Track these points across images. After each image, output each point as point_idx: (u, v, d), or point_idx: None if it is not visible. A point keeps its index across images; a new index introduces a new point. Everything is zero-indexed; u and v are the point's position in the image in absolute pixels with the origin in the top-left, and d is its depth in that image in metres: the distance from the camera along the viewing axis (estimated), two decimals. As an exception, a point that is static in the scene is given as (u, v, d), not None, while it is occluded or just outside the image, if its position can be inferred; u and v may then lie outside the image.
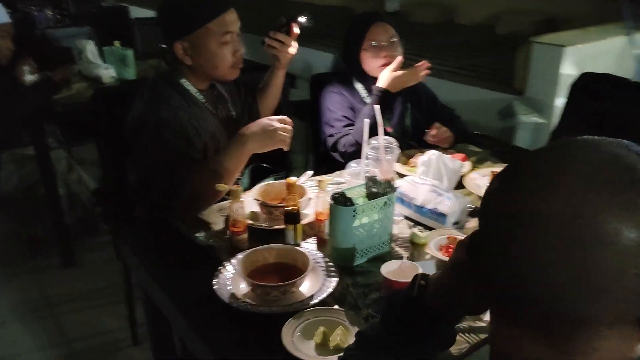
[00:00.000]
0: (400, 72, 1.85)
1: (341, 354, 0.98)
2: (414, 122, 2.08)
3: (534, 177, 0.51)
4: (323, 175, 1.37)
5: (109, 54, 3.20)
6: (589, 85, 2.19)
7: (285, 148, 1.49)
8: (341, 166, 1.89)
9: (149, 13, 7.91)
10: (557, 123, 2.33)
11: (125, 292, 2.21)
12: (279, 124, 1.48)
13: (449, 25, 6.78)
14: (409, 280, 1.07)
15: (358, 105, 1.99)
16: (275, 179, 1.67)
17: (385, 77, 1.86)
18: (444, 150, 1.98)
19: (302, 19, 1.71)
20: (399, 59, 1.88)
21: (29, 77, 2.80)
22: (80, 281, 2.70)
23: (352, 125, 1.93)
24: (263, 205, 1.47)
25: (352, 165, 1.56)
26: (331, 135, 1.92)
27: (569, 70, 4.14)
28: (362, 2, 7.91)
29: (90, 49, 3.10)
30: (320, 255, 1.29)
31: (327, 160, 2.02)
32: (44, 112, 2.62)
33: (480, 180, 1.67)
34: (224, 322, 1.14)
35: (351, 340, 1.02)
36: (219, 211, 1.57)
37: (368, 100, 2.00)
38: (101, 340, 2.32)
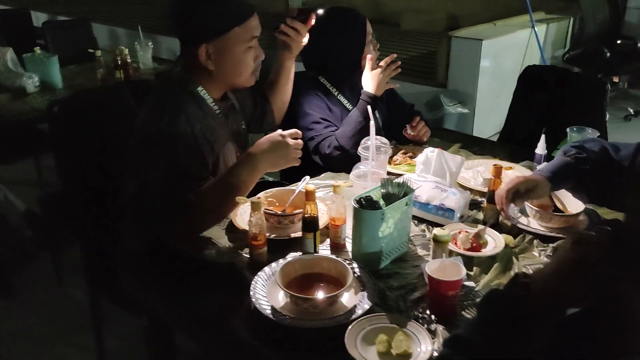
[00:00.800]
0: (377, 72, 1.85)
1: None
2: (381, 119, 2.11)
3: None
4: (337, 181, 1.36)
5: (31, 61, 2.92)
6: (534, 77, 2.35)
7: (297, 164, 1.46)
8: (321, 169, 1.88)
9: (44, 17, 7.35)
10: (507, 113, 2.47)
11: (93, 320, 2.03)
12: (291, 140, 1.43)
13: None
14: (455, 278, 1.10)
15: (333, 106, 1.98)
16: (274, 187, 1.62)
17: (369, 81, 1.86)
18: (421, 145, 2.04)
19: (320, 11, 1.68)
20: (371, 57, 1.89)
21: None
22: (22, 314, 2.44)
23: (332, 126, 1.92)
24: (273, 214, 1.42)
25: (360, 167, 1.55)
26: (312, 139, 1.89)
27: (487, 62, 4.43)
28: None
29: (10, 56, 2.82)
30: (343, 260, 1.28)
31: (304, 164, 1.99)
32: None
33: (466, 173, 1.73)
34: (269, 340, 1.09)
35: (414, 346, 1.02)
36: (219, 225, 1.50)
37: (342, 99, 2.00)
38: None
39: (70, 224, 2.33)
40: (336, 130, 1.89)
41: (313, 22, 1.70)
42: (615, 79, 5.44)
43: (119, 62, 3.01)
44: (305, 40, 1.74)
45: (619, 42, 5.23)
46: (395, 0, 7.87)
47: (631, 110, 5.04)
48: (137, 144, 1.46)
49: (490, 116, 4.67)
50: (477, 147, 2.08)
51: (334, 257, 1.24)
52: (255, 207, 1.25)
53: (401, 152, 1.90)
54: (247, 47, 1.49)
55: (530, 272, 1.26)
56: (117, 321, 2.20)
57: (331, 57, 1.97)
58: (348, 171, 1.82)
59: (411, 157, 1.90)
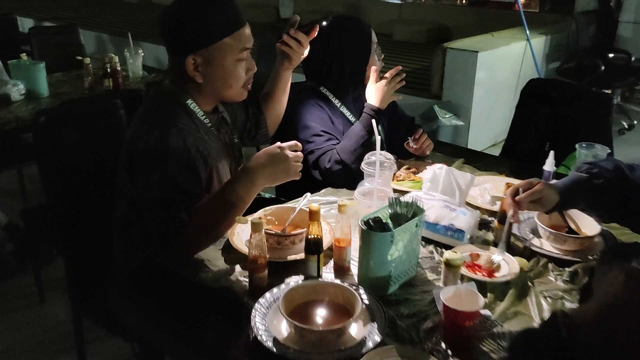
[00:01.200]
0: (382, 85, 1.78)
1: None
2: (383, 132, 2.04)
3: None
4: (343, 199, 1.27)
5: (16, 68, 2.81)
6: (537, 91, 2.30)
7: (297, 178, 1.37)
8: (320, 185, 1.80)
9: (30, 23, 7.24)
10: (510, 127, 2.41)
11: (76, 341, 1.92)
12: (291, 152, 1.35)
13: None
14: (473, 309, 1.02)
15: (335, 118, 1.90)
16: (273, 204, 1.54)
17: (374, 94, 1.79)
18: (423, 159, 1.96)
19: (325, 22, 1.63)
20: (375, 68, 1.82)
21: None
22: (1, 333, 2.31)
23: (333, 139, 1.84)
24: (272, 235, 1.34)
25: (365, 184, 1.46)
26: (312, 152, 1.81)
27: (482, 73, 4.39)
28: (256, 9, 7.86)
29: (-6, 63, 2.71)
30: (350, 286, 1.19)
31: (303, 179, 1.90)
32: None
33: (473, 190, 1.66)
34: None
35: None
36: (214, 245, 1.41)
37: (345, 111, 1.92)
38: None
39: (53, 239, 2.23)
40: (338, 143, 1.82)
41: (316, 33, 1.64)
42: (608, 92, 5.45)
43: (108, 70, 2.91)
44: (306, 52, 1.67)
45: (611, 55, 5.23)
46: (386, 10, 7.89)
47: (625, 124, 5.03)
48: (127, 159, 1.39)
49: (485, 128, 4.64)
50: (480, 162, 2.01)
51: (340, 282, 1.15)
52: (255, 227, 1.16)
53: (404, 167, 1.82)
54: (238, 58, 1.43)
55: (549, 300, 1.18)
56: (103, 343, 2.10)
57: (334, 67, 1.90)
58: (349, 187, 1.74)
59: (414, 173, 1.82)
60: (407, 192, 1.57)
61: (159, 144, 1.32)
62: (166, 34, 1.41)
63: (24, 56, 2.87)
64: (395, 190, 1.65)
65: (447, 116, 4.38)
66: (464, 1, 8.42)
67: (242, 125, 1.76)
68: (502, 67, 4.67)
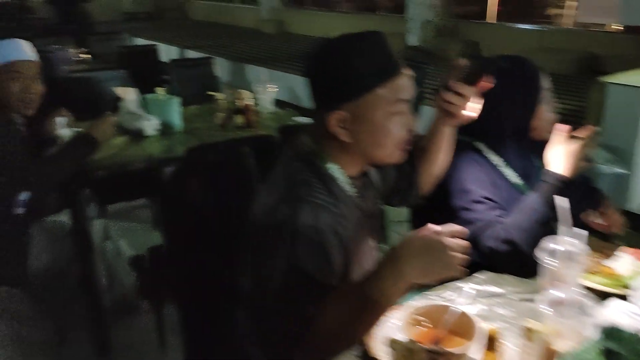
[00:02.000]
0: (574, 148, 1.41)
1: None
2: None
3: None
4: (530, 320, 0.93)
5: (151, 102, 2.81)
6: None
7: (458, 275, 1.05)
8: (476, 265, 1.45)
9: (172, 50, 7.72)
10: None
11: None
12: (449, 239, 1.03)
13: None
14: None
15: (497, 180, 1.55)
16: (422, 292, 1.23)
17: (561, 159, 1.42)
18: (609, 240, 1.54)
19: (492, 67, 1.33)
20: (566, 127, 1.45)
21: (64, 132, 2.40)
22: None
23: (498, 209, 1.48)
24: (425, 350, 1.02)
25: (552, 292, 1.09)
26: (470, 223, 1.46)
27: (653, 114, 3.73)
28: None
29: (132, 97, 2.72)
30: None
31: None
32: (82, 177, 2.20)
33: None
34: None
35: None
36: (350, 351, 1.13)
37: (509, 173, 1.56)
38: None
39: (172, 290, 2.13)
40: (503, 215, 1.46)
41: (488, 85, 1.31)
42: None
43: (241, 106, 2.83)
44: (477, 107, 1.34)
45: None
46: (524, 38, 7.29)
47: None
48: (251, 234, 1.17)
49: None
50: None
51: None
52: (410, 357, 0.86)
53: (598, 256, 1.41)
54: (391, 112, 1.17)
55: None
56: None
57: (493, 118, 1.56)
58: (516, 273, 1.38)
59: (601, 259, 1.40)
60: (599, 290, 1.18)
61: (287, 224, 1.10)
62: (311, 84, 1.20)
63: (159, 90, 2.87)
64: (585, 289, 1.26)
65: (606, 163, 3.78)
66: (618, 27, 7.53)
67: (392, 184, 1.48)
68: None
